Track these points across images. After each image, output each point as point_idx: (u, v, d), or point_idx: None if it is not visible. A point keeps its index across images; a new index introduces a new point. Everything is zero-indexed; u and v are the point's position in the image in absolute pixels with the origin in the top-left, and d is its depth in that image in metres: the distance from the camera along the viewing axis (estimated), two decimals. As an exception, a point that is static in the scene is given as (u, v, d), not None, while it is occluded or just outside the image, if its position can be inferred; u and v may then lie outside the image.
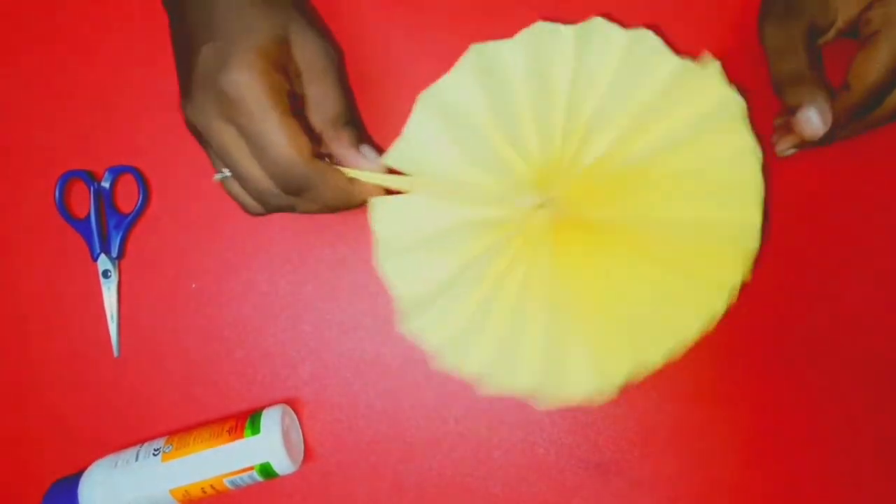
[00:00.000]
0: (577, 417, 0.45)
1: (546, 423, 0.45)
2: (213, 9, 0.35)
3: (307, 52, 0.37)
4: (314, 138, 0.37)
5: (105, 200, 0.47)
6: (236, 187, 0.38)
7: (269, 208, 0.37)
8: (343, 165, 0.38)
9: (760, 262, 0.44)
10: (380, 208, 0.38)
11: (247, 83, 0.33)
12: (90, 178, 0.46)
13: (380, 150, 0.39)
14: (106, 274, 0.46)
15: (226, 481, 0.42)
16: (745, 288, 0.44)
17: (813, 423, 0.44)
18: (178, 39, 0.38)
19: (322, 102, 0.37)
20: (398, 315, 0.39)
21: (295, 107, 0.36)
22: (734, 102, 0.37)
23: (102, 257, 0.46)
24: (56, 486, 0.44)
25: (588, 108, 0.37)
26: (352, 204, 0.38)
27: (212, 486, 0.42)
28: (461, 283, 0.38)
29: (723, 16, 0.45)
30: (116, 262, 0.46)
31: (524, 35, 0.38)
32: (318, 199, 0.36)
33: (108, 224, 0.47)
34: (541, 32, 0.37)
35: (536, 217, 0.38)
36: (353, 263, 0.46)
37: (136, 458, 0.43)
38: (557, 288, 0.38)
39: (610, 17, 0.38)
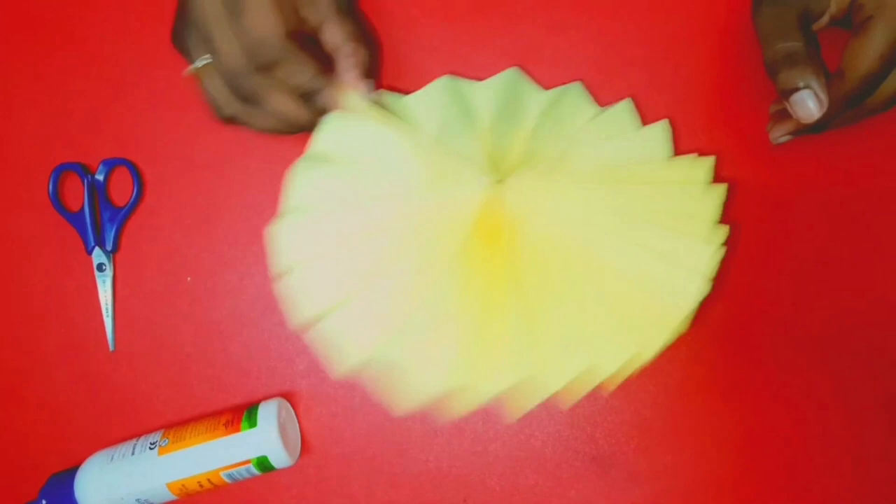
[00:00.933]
0: (574, 410, 0.45)
1: (542, 416, 0.45)
2: None
3: None
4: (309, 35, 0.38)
5: (99, 193, 0.46)
6: (209, 81, 0.38)
7: (238, 95, 0.38)
8: (343, 77, 0.38)
9: (754, 256, 0.44)
10: (330, 124, 0.37)
11: None
12: (84, 170, 0.46)
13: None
14: (100, 267, 0.46)
15: (223, 475, 0.42)
16: (740, 283, 0.44)
17: (808, 416, 0.44)
18: None
19: (338, 24, 0.39)
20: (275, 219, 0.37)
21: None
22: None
23: (97, 251, 0.46)
24: (52, 480, 0.44)
25: (547, 150, 0.38)
26: (307, 110, 0.38)
27: (209, 480, 0.42)
28: (364, 214, 0.36)
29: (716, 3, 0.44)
30: (111, 255, 0.46)
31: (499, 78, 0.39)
32: (284, 82, 0.37)
33: (103, 217, 0.46)
34: (515, 81, 0.39)
35: (481, 188, 0.36)
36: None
37: (133, 452, 0.43)
38: (493, 265, 0.35)
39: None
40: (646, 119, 0.44)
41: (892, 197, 0.44)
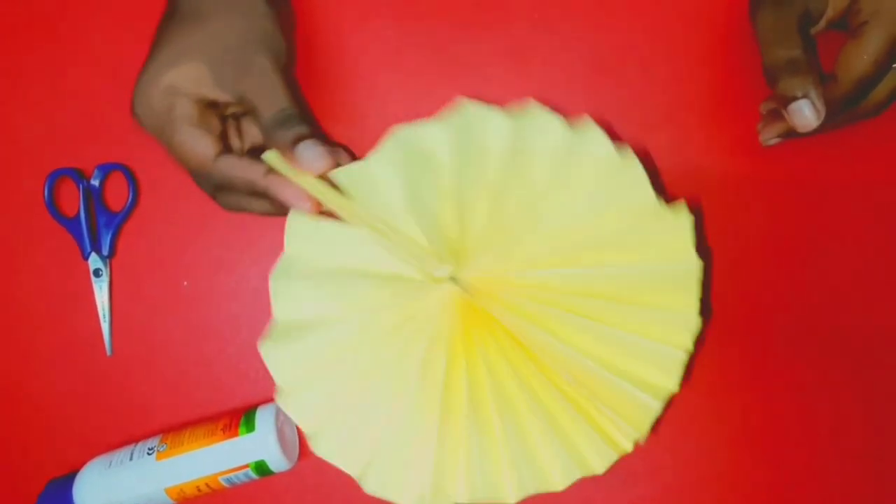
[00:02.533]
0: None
1: (541, 417, 0.45)
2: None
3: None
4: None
5: (95, 199, 0.46)
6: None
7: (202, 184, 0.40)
8: (282, 155, 0.36)
9: (752, 254, 0.44)
10: (295, 225, 0.37)
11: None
12: (79, 176, 0.46)
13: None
14: (97, 273, 0.46)
15: (221, 479, 0.42)
16: (735, 282, 0.44)
17: (808, 413, 0.44)
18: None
19: (265, 98, 0.37)
20: (265, 335, 0.38)
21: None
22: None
23: (93, 256, 0.46)
24: (50, 487, 0.44)
25: (512, 204, 0.34)
26: (275, 200, 0.36)
27: (207, 485, 0.42)
28: (342, 330, 0.36)
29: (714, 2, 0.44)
30: (107, 260, 0.46)
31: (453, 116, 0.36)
32: (236, 194, 0.39)
33: (99, 222, 0.46)
34: (470, 114, 0.35)
35: (442, 290, 0.35)
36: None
37: (131, 458, 0.43)
38: (473, 369, 0.34)
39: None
40: (642, 119, 0.44)
41: (885, 193, 0.44)
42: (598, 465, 0.34)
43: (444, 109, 0.37)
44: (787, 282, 0.44)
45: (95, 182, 0.46)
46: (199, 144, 0.37)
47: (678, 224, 0.34)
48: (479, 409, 0.34)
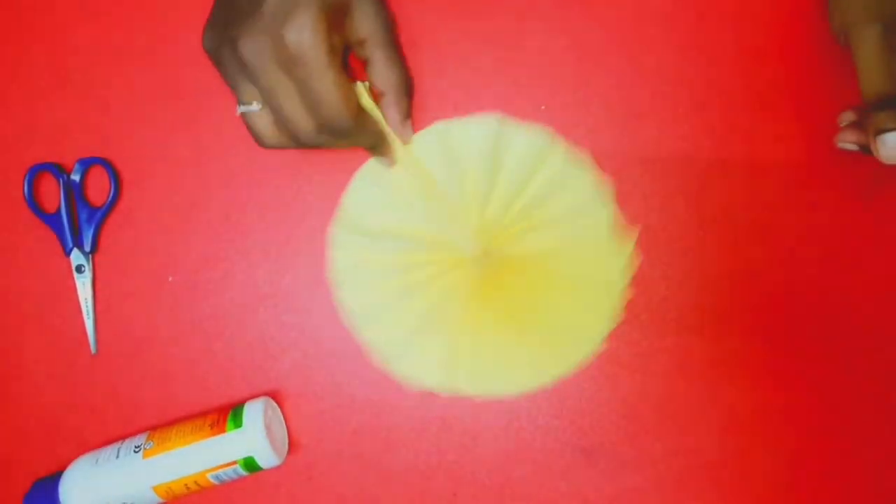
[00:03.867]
0: (562, 402, 0.45)
1: (530, 409, 0.45)
2: None
3: (369, 19, 0.39)
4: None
5: (76, 193, 0.45)
6: (259, 121, 0.39)
7: (299, 145, 0.39)
8: (389, 126, 0.42)
9: (735, 245, 0.44)
10: (361, 184, 0.45)
11: (310, 42, 0.35)
12: (59, 170, 0.45)
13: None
14: (79, 269, 0.45)
15: (209, 476, 0.42)
16: (725, 272, 0.44)
17: (798, 403, 0.44)
18: None
19: (386, 68, 0.41)
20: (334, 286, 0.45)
21: (345, 62, 0.40)
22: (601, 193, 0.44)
23: (75, 252, 0.45)
24: (37, 486, 0.43)
25: (520, 208, 0.44)
26: (377, 153, 0.43)
27: (195, 482, 0.42)
28: (404, 288, 0.45)
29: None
30: (90, 256, 0.45)
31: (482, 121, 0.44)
32: (354, 143, 0.41)
33: (80, 217, 0.45)
34: (498, 124, 0.44)
35: (474, 260, 0.45)
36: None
37: (117, 456, 0.42)
38: (481, 307, 0.45)
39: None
40: (629, 107, 0.44)
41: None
42: (582, 352, 0.45)
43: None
44: (777, 273, 0.44)
45: (76, 176, 0.45)
46: (350, 91, 0.38)
47: (605, 209, 0.45)
48: (474, 329, 0.45)
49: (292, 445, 0.45)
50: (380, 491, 0.45)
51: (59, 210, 0.45)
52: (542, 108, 0.44)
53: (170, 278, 0.46)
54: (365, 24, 0.39)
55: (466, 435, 0.45)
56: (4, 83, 0.46)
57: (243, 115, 0.39)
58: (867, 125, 0.38)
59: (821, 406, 0.44)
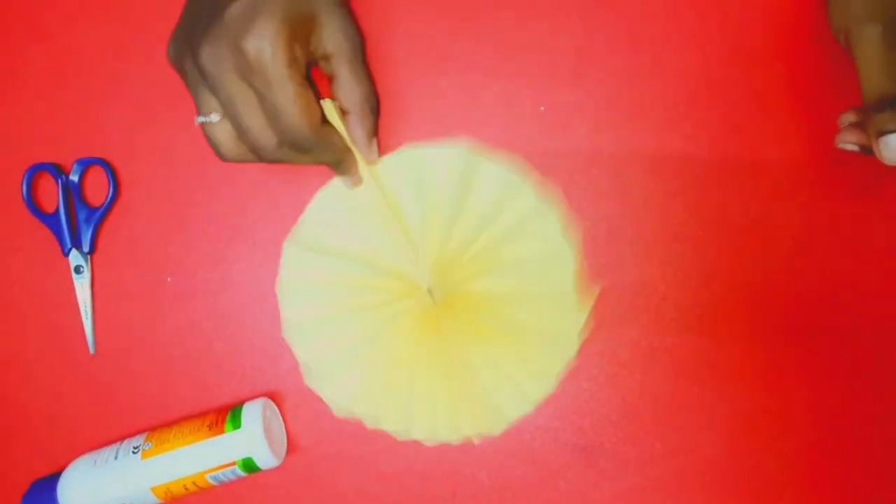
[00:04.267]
0: (562, 401, 0.45)
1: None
2: None
3: (336, 35, 0.39)
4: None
5: (74, 194, 0.45)
6: (218, 132, 0.38)
7: (259, 159, 0.38)
8: (355, 145, 0.41)
9: (735, 242, 0.44)
10: (321, 202, 0.44)
11: (270, 51, 0.35)
12: (58, 171, 0.45)
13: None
14: (78, 269, 0.45)
15: (208, 477, 0.42)
16: (723, 271, 0.44)
17: (796, 401, 0.44)
18: None
19: (351, 85, 0.40)
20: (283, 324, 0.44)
21: (308, 75, 0.39)
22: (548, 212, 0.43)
23: (74, 252, 0.45)
24: (35, 487, 0.43)
25: (479, 238, 0.43)
26: (340, 171, 0.41)
27: (194, 483, 0.42)
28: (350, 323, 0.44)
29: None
30: (88, 256, 0.45)
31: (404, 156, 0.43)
32: (316, 159, 0.39)
33: (78, 218, 0.45)
34: (414, 157, 0.43)
35: (424, 294, 0.44)
36: (331, 253, 0.45)
37: (116, 457, 0.42)
38: (422, 343, 0.44)
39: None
40: (628, 108, 0.44)
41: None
42: (512, 412, 0.44)
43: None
44: (776, 273, 0.44)
45: (74, 177, 0.45)
46: (311, 104, 0.37)
47: (570, 260, 0.43)
48: (438, 368, 0.44)
49: (291, 446, 0.45)
50: (379, 491, 0.45)
51: (57, 210, 0.45)
52: (542, 108, 0.44)
53: (168, 279, 0.46)
54: (331, 40, 0.39)
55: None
56: (3, 84, 0.46)
57: (202, 125, 0.38)
58: (868, 126, 0.38)
59: (820, 405, 0.44)
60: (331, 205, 0.44)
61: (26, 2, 0.46)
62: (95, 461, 0.43)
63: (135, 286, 0.46)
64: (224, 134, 0.38)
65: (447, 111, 0.45)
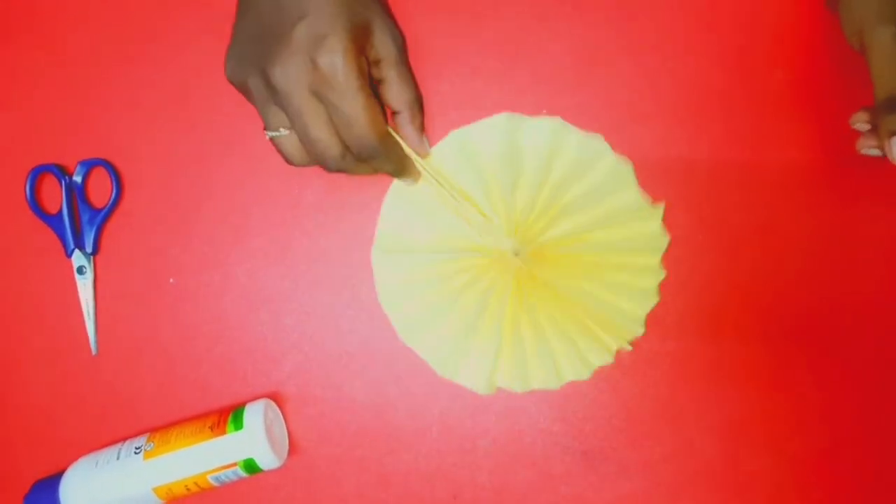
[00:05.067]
0: (563, 405, 0.45)
1: (531, 412, 0.45)
2: None
3: (387, 41, 0.40)
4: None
5: (77, 195, 0.45)
6: (288, 144, 0.40)
7: (326, 168, 0.40)
8: (407, 142, 0.42)
9: (736, 246, 0.44)
10: (391, 207, 0.45)
11: (342, 66, 0.36)
12: (61, 172, 0.45)
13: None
14: (81, 270, 0.45)
15: (210, 478, 0.42)
16: (724, 276, 0.44)
17: (796, 405, 0.44)
18: (261, 8, 0.39)
19: (401, 87, 0.41)
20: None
21: (372, 84, 0.40)
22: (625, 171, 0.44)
23: (77, 253, 0.45)
24: (37, 487, 0.43)
25: (546, 196, 0.44)
26: (400, 175, 0.43)
27: (195, 484, 0.42)
28: (444, 295, 0.45)
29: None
30: (91, 257, 0.46)
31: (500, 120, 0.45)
32: (378, 167, 0.41)
33: (82, 219, 0.45)
34: (514, 122, 0.45)
35: (510, 258, 0.45)
36: (333, 255, 0.45)
37: (118, 457, 0.42)
38: (523, 302, 0.45)
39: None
40: (631, 110, 0.44)
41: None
42: (596, 362, 0.45)
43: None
44: (778, 277, 0.44)
45: (78, 178, 0.45)
46: (379, 113, 0.38)
47: (654, 214, 0.44)
48: (517, 327, 0.46)
49: (292, 447, 0.45)
50: (380, 493, 0.45)
51: (60, 211, 0.45)
52: (544, 112, 0.44)
53: (171, 280, 0.46)
54: (382, 46, 0.40)
55: (466, 438, 0.45)
56: (6, 85, 0.46)
57: (272, 139, 0.40)
58: (880, 127, 0.38)
59: (821, 409, 0.44)
60: (400, 206, 0.45)
61: (31, 5, 0.46)
62: (97, 461, 0.43)
63: (137, 287, 0.46)
64: (294, 145, 0.40)
65: (449, 116, 0.45)
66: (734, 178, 0.44)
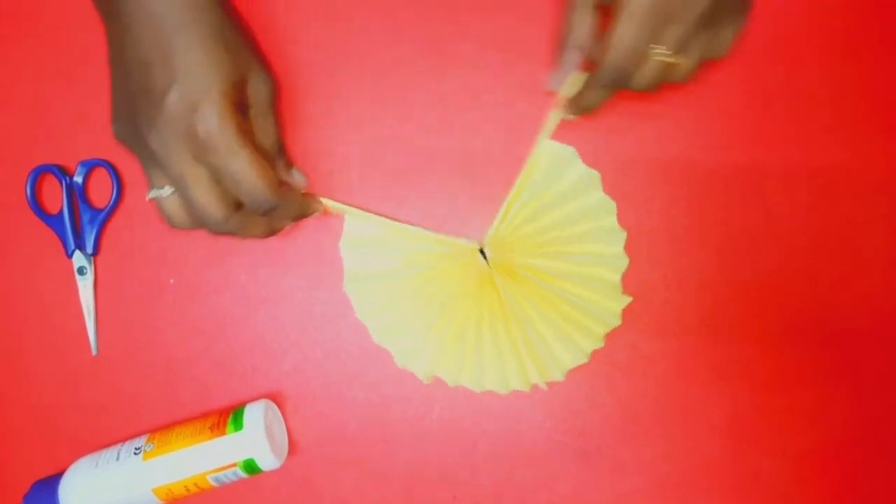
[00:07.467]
0: (561, 404, 0.45)
1: (530, 412, 0.45)
2: (171, 51, 0.36)
3: (259, 90, 0.40)
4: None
5: (78, 195, 0.46)
6: (170, 205, 0.39)
7: (210, 231, 0.39)
8: (280, 175, 0.42)
9: (736, 246, 0.44)
10: (349, 241, 0.45)
11: (218, 128, 0.35)
12: (62, 172, 0.45)
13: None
14: (81, 270, 0.45)
15: (209, 478, 0.42)
16: (721, 273, 0.44)
17: (795, 404, 0.44)
18: (131, 70, 0.37)
19: (265, 133, 0.41)
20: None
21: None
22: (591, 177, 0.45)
23: (77, 254, 0.45)
24: (36, 488, 0.43)
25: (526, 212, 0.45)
26: (305, 215, 0.42)
27: (195, 484, 0.42)
28: (414, 301, 0.46)
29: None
30: (92, 258, 0.46)
31: None
32: (283, 213, 0.40)
33: (82, 219, 0.46)
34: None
35: (476, 256, 0.45)
36: (333, 254, 0.45)
37: (117, 458, 0.42)
38: (489, 308, 0.45)
39: None
40: (625, 109, 0.44)
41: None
42: (569, 362, 0.45)
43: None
44: (776, 277, 0.44)
45: (78, 178, 0.45)
46: (265, 165, 0.37)
47: (610, 210, 0.45)
48: (491, 331, 0.46)
49: (292, 447, 0.45)
50: (379, 493, 0.45)
51: (61, 212, 0.45)
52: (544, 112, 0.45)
53: (171, 280, 0.46)
54: (255, 92, 0.39)
55: (466, 437, 0.45)
56: (7, 85, 0.46)
57: (154, 199, 0.39)
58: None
59: (820, 408, 0.44)
60: (356, 245, 0.45)
61: (32, 5, 0.46)
62: (97, 462, 0.43)
63: (138, 287, 0.46)
64: (175, 206, 0.39)
65: (449, 115, 0.45)
66: (734, 177, 0.44)
